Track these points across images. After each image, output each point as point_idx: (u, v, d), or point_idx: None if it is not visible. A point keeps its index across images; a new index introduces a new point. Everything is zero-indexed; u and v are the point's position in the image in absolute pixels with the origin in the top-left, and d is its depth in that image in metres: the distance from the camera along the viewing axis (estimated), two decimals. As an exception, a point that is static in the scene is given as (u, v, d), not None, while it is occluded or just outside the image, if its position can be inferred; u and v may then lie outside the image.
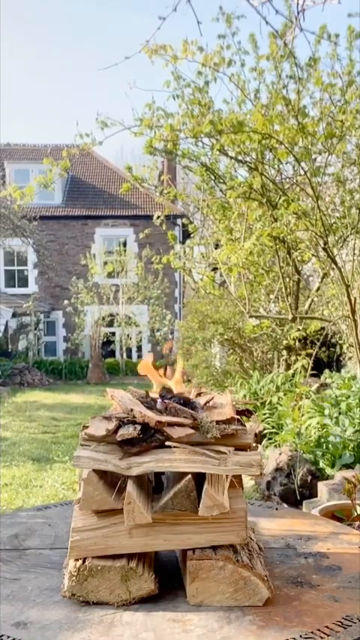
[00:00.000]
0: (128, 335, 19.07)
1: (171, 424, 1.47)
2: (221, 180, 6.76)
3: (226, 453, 1.45)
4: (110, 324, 18.89)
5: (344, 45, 5.56)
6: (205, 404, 1.68)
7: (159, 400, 1.63)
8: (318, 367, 7.79)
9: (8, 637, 1.24)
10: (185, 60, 5.37)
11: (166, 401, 1.60)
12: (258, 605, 1.36)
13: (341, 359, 9.48)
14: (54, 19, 56.99)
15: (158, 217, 6.84)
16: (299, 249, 6.56)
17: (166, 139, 5.58)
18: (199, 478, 1.44)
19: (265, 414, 6.17)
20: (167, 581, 1.47)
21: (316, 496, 4.00)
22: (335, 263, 5.35)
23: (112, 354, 19.30)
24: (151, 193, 18.04)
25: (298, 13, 2.95)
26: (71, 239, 21.39)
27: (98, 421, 1.57)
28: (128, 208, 21.21)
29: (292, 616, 1.31)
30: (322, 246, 5.30)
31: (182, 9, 2.86)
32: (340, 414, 4.95)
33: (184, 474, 1.44)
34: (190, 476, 1.43)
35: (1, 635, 1.24)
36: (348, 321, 6.26)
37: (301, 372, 6.79)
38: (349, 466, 4.32)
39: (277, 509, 2.19)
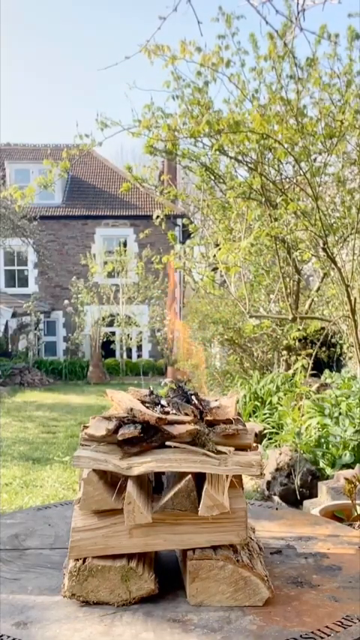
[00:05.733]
0: (128, 335, 19.06)
1: (171, 422, 1.47)
2: (221, 181, 6.75)
3: (226, 453, 1.45)
4: (110, 324, 18.88)
5: (344, 45, 5.57)
6: (208, 407, 1.68)
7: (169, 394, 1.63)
8: (318, 367, 7.78)
9: (8, 637, 1.24)
10: (184, 60, 5.36)
11: (168, 398, 1.60)
12: (258, 605, 1.37)
13: (341, 359, 9.49)
14: (54, 19, 57.03)
15: (157, 217, 6.82)
16: (299, 249, 6.56)
17: (164, 140, 5.57)
18: (200, 478, 1.44)
19: (265, 414, 6.17)
20: (167, 581, 1.47)
21: (316, 496, 4.00)
22: (335, 263, 5.35)
23: (112, 354, 19.29)
24: (151, 193, 18.04)
25: (298, 13, 2.95)
26: (71, 239, 21.38)
27: (98, 421, 1.57)
28: (128, 208, 21.20)
29: (292, 616, 1.31)
30: (322, 246, 5.29)
31: (182, 9, 2.85)
32: (340, 414, 4.95)
33: (184, 474, 1.44)
34: (190, 476, 1.43)
35: (1, 635, 1.24)
36: (348, 321, 6.26)
37: (301, 372, 6.79)
38: (349, 466, 4.33)
39: (277, 509, 2.19)
